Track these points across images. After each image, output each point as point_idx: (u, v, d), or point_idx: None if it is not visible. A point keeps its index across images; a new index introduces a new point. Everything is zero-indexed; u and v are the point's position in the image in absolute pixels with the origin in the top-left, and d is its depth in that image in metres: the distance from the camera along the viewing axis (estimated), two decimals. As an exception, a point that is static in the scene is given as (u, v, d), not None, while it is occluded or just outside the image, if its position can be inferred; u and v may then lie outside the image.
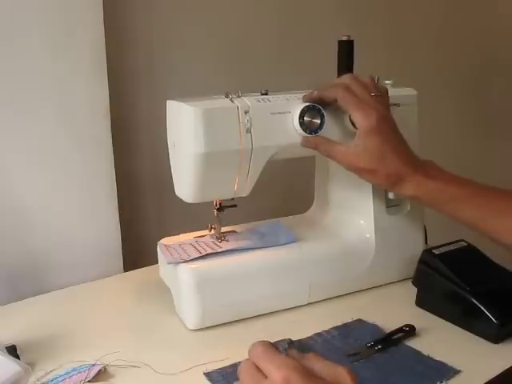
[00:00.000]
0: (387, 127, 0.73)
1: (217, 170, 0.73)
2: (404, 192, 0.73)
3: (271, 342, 0.67)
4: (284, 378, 0.43)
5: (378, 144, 0.71)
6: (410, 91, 0.86)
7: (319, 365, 0.46)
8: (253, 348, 0.48)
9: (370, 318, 0.76)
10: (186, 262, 0.75)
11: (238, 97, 0.74)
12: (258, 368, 0.46)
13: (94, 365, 0.65)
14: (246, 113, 0.73)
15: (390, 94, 0.83)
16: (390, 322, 0.73)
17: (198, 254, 0.76)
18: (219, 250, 0.77)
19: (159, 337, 0.74)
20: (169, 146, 0.79)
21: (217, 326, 0.75)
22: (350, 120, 0.75)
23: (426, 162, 0.74)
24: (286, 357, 0.46)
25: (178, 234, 0.86)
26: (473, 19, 1.52)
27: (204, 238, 0.83)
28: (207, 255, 0.76)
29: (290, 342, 0.68)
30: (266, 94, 0.76)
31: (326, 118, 0.75)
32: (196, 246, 0.80)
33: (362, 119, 0.71)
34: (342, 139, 0.78)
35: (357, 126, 0.72)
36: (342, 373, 0.45)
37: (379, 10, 1.34)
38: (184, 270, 0.74)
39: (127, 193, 1.02)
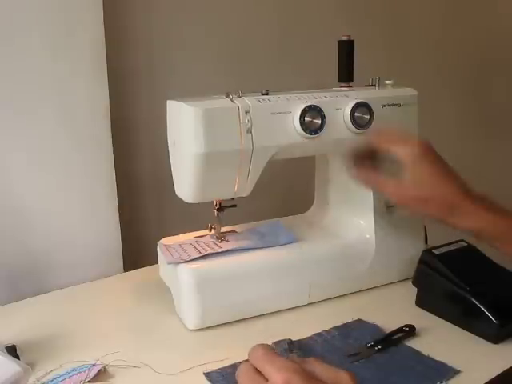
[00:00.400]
0: (433, 154, 0.69)
1: (217, 170, 0.73)
2: (464, 224, 0.67)
3: (271, 343, 0.68)
4: (285, 381, 0.43)
5: (428, 171, 0.68)
6: (410, 91, 0.86)
7: (320, 368, 0.45)
8: (253, 351, 0.47)
9: (370, 318, 0.76)
10: (186, 262, 0.75)
11: (239, 97, 0.74)
12: (256, 370, 0.46)
13: (93, 365, 0.65)
14: (246, 113, 0.73)
15: (390, 94, 0.84)
16: (390, 322, 0.73)
17: (198, 254, 0.76)
18: (219, 250, 0.77)
19: (159, 337, 0.74)
20: (169, 144, 0.79)
21: (217, 326, 0.75)
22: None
23: (482, 194, 0.69)
24: (287, 359, 0.46)
25: (178, 234, 0.86)
26: (473, 19, 1.51)
27: (204, 238, 0.83)
28: (207, 255, 0.76)
29: (290, 342, 0.69)
30: (267, 94, 0.76)
31: (326, 118, 0.75)
32: (196, 246, 0.80)
33: (405, 150, 0.69)
34: (343, 139, 0.78)
35: (401, 158, 0.69)
36: (343, 376, 0.44)
37: (379, 10, 1.34)
38: (184, 270, 0.74)
39: (127, 193, 1.02)
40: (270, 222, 0.88)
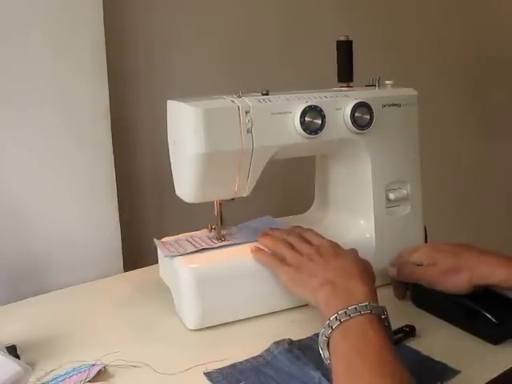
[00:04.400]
0: (436, 243, 0.80)
1: (217, 170, 0.73)
2: (496, 278, 0.70)
3: (271, 343, 0.68)
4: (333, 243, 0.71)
5: (444, 246, 0.76)
6: (410, 91, 0.86)
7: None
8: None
9: (370, 318, 0.75)
10: (182, 255, 0.76)
11: (239, 97, 0.74)
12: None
13: (94, 365, 0.65)
14: (246, 113, 0.73)
15: (390, 94, 0.84)
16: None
17: (194, 249, 0.77)
18: (215, 246, 0.78)
19: (159, 337, 0.74)
20: (169, 143, 0.80)
21: (217, 326, 0.75)
22: None
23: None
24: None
25: (178, 234, 0.86)
26: (473, 19, 1.52)
27: (201, 235, 0.83)
28: (203, 250, 0.77)
29: (290, 343, 0.69)
30: (267, 94, 0.76)
31: (326, 118, 0.75)
32: (192, 241, 0.81)
33: (417, 250, 0.78)
34: (343, 139, 0.78)
35: (420, 262, 0.77)
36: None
37: (380, 10, 1.34)
38: (184, 270, 0.74)
39: (127, 193, 1.02)
40: (261, 218, 0.88)
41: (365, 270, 0.68)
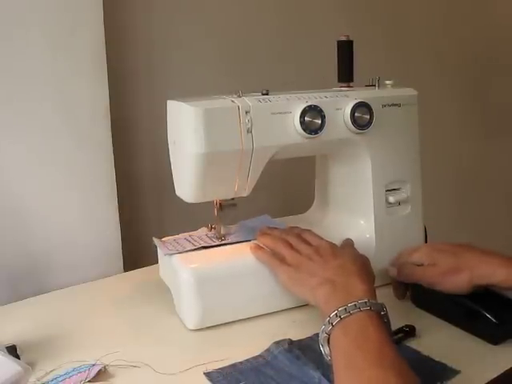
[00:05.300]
0: (436, 243, 0.80)
1: (217, 170, 0.73)
2: (497, 278, 0.70)
3: (271, 343, 0.68)
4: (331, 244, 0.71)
5: (445, 246, 0.76)
6: (410, 91, 0.86)
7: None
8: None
9: (370, 318, 0.75)
10: (181, 253, 0.76)
11: (239, 97, 0.74)
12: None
13: (94, 365, 0.65)
14: (246, 113, 0.73)
15: (390, 94, 0.84)
16: (390, 323, 0.73)
17: (193, 247, 0.77)
18: (213, 244, 0.78)
19: (159, 337, 0.74)
20: (169, 143, 0.80)
21: (217, 325, 0.75)
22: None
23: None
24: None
25: (178, 234, 0.86)
26: (473, 19, 1.52)
27: (200, 234, 0.84)
28: (202, 248, 0.77)
29: (290, 343, 0.69)
30: (267, 94, 0.76)
31: (326, 118, 0.75)
32: (191, 240, 0.81)
33: (417, 250, 0.78)
34: (343, 139, 0.78)
35: (420, 262, 0.77)
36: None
37: (380, 10, 1.34)
38: (184, 270, 0.74)
39: (127, 193, 1.02)
40: (259, 217, 0.89)
41: (363, 267, 0.69)
